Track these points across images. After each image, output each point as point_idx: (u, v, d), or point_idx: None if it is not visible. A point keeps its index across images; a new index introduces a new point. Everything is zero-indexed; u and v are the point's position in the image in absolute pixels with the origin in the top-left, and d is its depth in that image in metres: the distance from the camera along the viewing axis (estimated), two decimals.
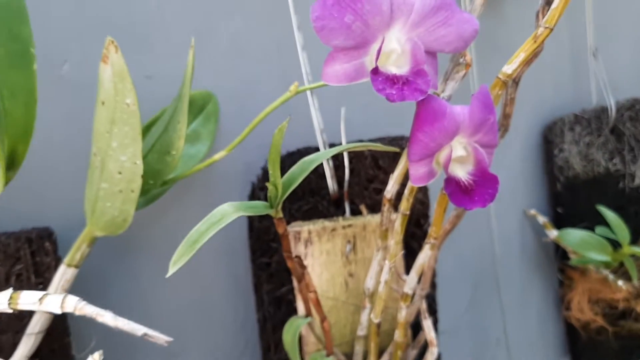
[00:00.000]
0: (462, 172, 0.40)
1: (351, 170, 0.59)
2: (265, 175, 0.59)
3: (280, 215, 0.47)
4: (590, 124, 0.84)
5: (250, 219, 0.59)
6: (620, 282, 0.77)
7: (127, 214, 0.47)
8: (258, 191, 0.58)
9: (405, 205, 0.44)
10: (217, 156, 0.50)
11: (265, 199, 0.45)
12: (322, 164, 0.58)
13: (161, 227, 0.57)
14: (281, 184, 0.45)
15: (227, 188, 0.60)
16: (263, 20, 0.61)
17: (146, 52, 0.56)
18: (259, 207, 0.45)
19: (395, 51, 0.38)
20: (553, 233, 0.82)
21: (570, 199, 0.85)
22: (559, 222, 0.86)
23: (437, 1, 0.38)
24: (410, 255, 0.60)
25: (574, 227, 0.84)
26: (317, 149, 0.59)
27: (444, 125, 0.38)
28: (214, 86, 0.59)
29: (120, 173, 0.45)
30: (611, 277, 0.78)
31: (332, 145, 0.60)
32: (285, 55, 0.61)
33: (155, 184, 0.49)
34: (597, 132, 0.84)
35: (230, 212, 0.42)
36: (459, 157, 0.40)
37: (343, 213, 0.59)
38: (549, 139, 0.85)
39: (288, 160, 0.59)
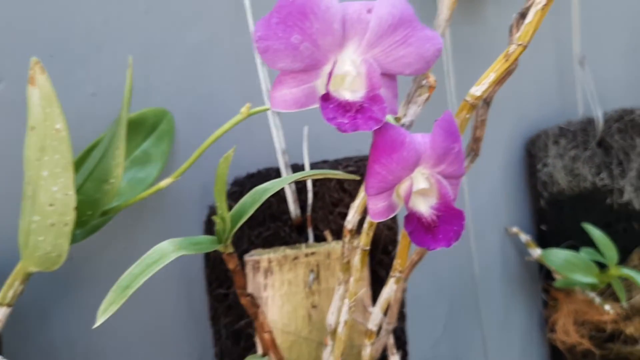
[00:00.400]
0: (425, 207, 0.36)
1: (315, 194, 0.55)
2: None
3: (231, 250, 0.42)
4: (576, 137, 0.81)
5: None
6: (607, 306, 0.73)
7: (62, 249, 0.42)
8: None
9: (365, 240, 0.40)
10: (163, 183, 0.46)
11: None
12: (284, 187, 0.54)
13: (107, 258, 0.53)
14: (230, 217, 0.41)
15: (181, 213, 0.56)
16: (222, 34, 0.57)
17: (92, 68, 0.52)
18: (204, 243, 0.40)
19: (349, 74, 0.34)
20: (536, 252, 0.78)
21: (555, 215, 0.81)
22: (543, 240, 0.82)
23: (395, 18, 0.34)
24: (378, 284, 0.56)
25: (559, 246, 0.80)
26: (278, 170, 0.55)
27: (403, 156, 0.34)
28: (170, 103, 0.55)
29: (51, 205, 0.41)
30: (597, 300, 0.74)
31: (294, 166, 0.56)
32: (245, 71, 0.57)
33: (93, 215, 0.45)
34: (583, 146, 0.81)
35: (169, 251, 0.38)
36: (421, 190, 0.35)
37: (306, 240, 0.55)
38: (532, 153, 0.81)
39: (248, 183, 0.55)
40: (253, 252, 0.54)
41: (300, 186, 0.55)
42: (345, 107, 0.33)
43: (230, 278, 0.55)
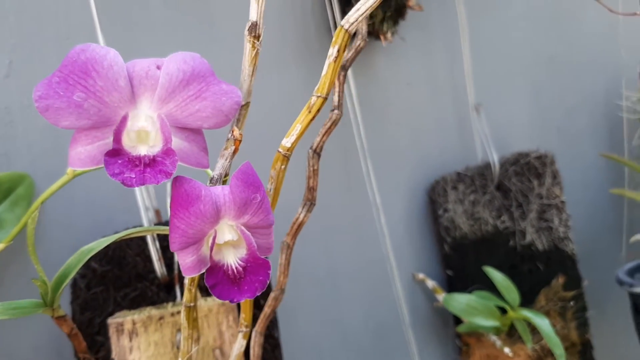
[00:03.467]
0: (233, 258, 0.36)
1: None
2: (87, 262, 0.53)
3: (61, 313, 0.41)
4: (474, 182, 0.82)
5: (72, 309, 0.54)
6: (506, 349, 0.72)
7: None
8: (79, 278, 0.53)
9: (187, 297, 0.39)
10: None
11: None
12: (147, 245, 0.53)
13: None
14: (55, 279, 0.40)
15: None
16: None
17: None
18: (27, 307, 0.39)
19: (144, 129, 0.34)
20: (443, 297, 0.78)
21: (460, 260, 0.81)
22: (450, 285, 0.82)
23: (185, 74, 0.35)
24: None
25: (466, 290, 0.80)
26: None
27: (200, 209, 0.34)
28: (33, 167, 0.54)
29: None
30: (498, 343, 0.73)
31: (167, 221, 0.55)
32: None
33: None
34: (482, 190, 0.82)
35: None
36: (230, 241, 0.35)
37: (175, 298, 0.54)
38: (433, 199, 0.82)
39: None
40: (118, 314, 0.52)
41: (165, 244, 0.55)
42: (134, 162, 0.33)
43: (97, 342, 0.53)
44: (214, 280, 0.35)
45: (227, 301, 0.39)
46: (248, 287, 0.35)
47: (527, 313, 0.72)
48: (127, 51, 0.57)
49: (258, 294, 0.35)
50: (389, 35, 0.67)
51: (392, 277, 0.79)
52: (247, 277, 0.35)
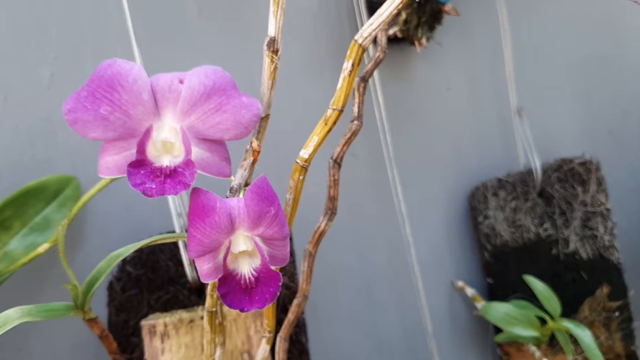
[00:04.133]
0: (248, 268, 0.36)
1: None
2: (122, 266, 0.56)
3: (92, 316, 0.43)
4: (516, 188, 0.80)
5: (109, 311, 0.56)
6: None
7: None
8: (115, 281, 0.55)
9: (209, 302, 0.40)
10: (41, 249, 0.48)
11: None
12: (179, 250, 0.55)
13: None
14: (86, 282, 0.42)
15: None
16: None
17: None
18: (59, 310, 0.41)
19: (168, 140, 0.36)
20: (481, 306, 0.76)
21: (500, 268, 0.80)
22: (491, 294, 0.80)
23: (207, 88, 0.36)
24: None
25: (506, 299, 0.78)
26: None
27: (215, 221, 0.35)
28: (77, 170, 0.57)
29: None
30: (537, 354, 0.72)
31: None
32: None
33: None
34: (523, 197, 0.80)
35: (13, 318, 0.39)
36: (243, 251, 0.36)
37: (205, 302, 0.55)
38: (473, 206, 0.81)
39: (146, 249, 0.56)
40: (150, 316, 0.54)
41: None
42: (156, 173, 0.35)
43: (132, 343, 0.55)
44: (226, 289, 0.36)
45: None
46: (259, 297, 0.36)
47: (567, 324, 0.70)
48: (163, 63, 0.59)
49: (268, 304, 0.36)
50: (423, 40, 0.67)
51: (430, 285, 0.78)
52: (259, 287, 0.36)
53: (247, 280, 0.36)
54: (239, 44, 0.65)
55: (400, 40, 0.70)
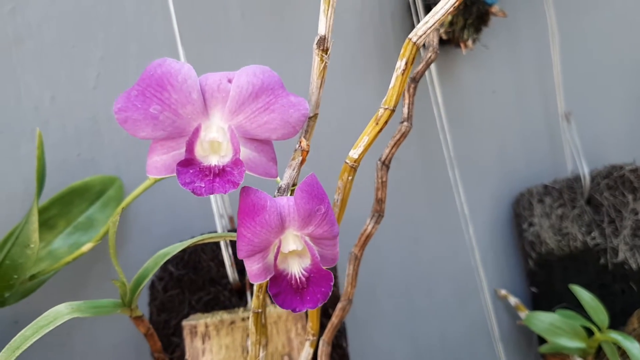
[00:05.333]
0: (298, 268, 0.36)
1: None
2: (165, 266, 0.56)
3: (138, 314, 0.43)
4: (562, 195, 0.78)
5: (150, 310, 0.56)
6: None
7: None
8: (157, 280, 0.55)
9: (255, 303, 0.40)
10: (85, 248, 0.48)
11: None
12: (220, 251, 0.55)
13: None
14: (133, 280, 0.42)
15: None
16: None
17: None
18: (107, 307, 0.42)
19: (216, 139, 0.36)
20: (525, 315, 0.74)
21: (545, 277, 0.78)
22: (535, 303, 0.78)
23: (255, 87, 0.35)
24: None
25: (550, 309, 0.76)
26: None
27: (265, 220, 0.35)
28: (120, 171, 0.58)
29: None
30: None
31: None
32: None
33: (19, 278, 0.47)
34: (570, 204, 0.77)
35: (64, 313, 0.39)
36: (293, 251, 0.36)
37: (246, 304, 0.55)
38: (518, 212, 0.79)
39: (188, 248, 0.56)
40: (192, 316, 0.54)
41: None
42: (204, 172, 0.34)
43: (173, 343, 0.55)
44: (277, 289, 0.35)
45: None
46: (310, 297, 0.35)
47: (615, 335, 0.68)
48: (207, 64, 0.59)
49: (319, 305, 0.35)
50: (469, 42, 0.66)
51: (473, 293, 0.77)
52: (310, 287, 0.35)
53: (298, 280, 0.35)
54: (280, 46, 0.65)
55: (446, 42, 0.69)
